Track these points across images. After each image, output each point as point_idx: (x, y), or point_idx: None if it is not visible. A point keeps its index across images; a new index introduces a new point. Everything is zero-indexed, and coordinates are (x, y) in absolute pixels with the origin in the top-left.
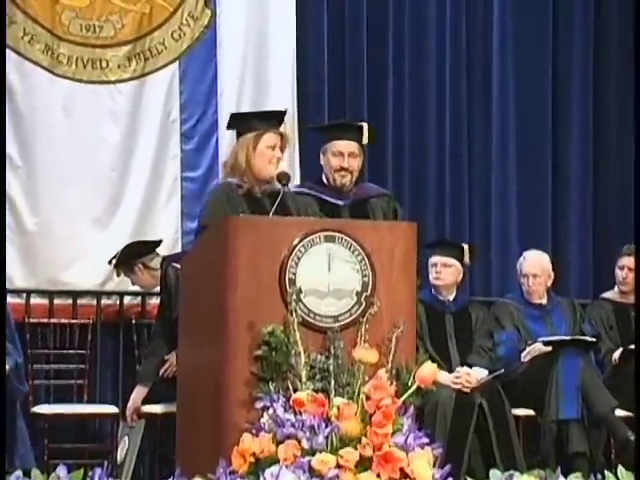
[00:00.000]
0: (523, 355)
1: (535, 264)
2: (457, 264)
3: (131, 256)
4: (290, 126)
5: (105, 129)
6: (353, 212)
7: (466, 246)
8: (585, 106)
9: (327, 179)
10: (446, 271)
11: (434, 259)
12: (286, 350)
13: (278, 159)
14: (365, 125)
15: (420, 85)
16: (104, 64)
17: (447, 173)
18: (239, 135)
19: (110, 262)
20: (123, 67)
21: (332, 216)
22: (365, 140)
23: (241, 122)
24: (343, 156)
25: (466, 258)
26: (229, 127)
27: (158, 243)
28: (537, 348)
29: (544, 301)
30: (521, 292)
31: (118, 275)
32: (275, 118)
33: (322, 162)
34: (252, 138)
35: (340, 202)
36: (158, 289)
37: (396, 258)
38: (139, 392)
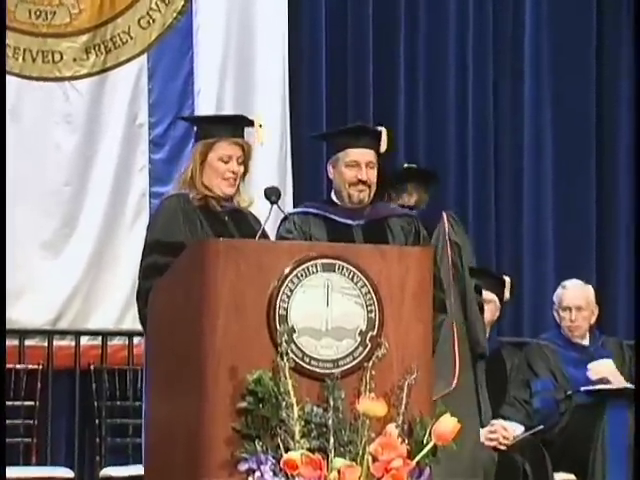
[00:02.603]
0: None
1: (578, 295)
2: (496, 300)
3: None
4: (280, 132)
5: (58, 135)
6: (367, 233)
7: (508, 280)
8: (635, 112)
9: (340, 196)
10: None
11: None
12: (276, 401)
13: (235, 174)
14: (384, 130)
15: (437, 86)
16: (57, 57)
17: (470, 192)
18: (196, 142)
19: None
20: (80, 61)
21: (342, 238)
22: (383, 147)
23: (194, 126)
24: (360, 167)
25: (507, 293)
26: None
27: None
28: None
29: (586, 342)
30: (558, 331)
31: None
32: (232, 124)
33: (331, 176)
34: (200, 147)
35: (351, 222)
36: None
37: (408, 290)
38: None
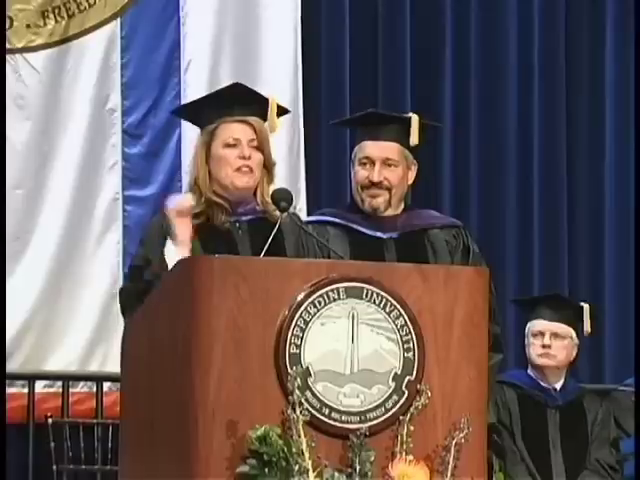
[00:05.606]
0: None
1: None
2: (574, 335)
3: None
4: (291, 119)
5: (8, 123)
6: (402, 249)
7: (586, 307)
8: None
9: (357, 202)
10: (558, 345)
11: (540, 325)
12: (286, 465)
13: (246, 159)
14: (414, 117)
15: (493, 73)
16: (6, 23)
17: (535, 202)
18: None
19: None
20: (35, 28)
21: (370, 256)
22: (414, 140)
23: (190, 115)
24: (373, 165)
25: (586, 325)
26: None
27: None
28: None
29: None
30: None
31: None
32: (237, 99)
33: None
34: (202, 137)
35: (382, 235)
36: None
37: (457, 322)
38: None
